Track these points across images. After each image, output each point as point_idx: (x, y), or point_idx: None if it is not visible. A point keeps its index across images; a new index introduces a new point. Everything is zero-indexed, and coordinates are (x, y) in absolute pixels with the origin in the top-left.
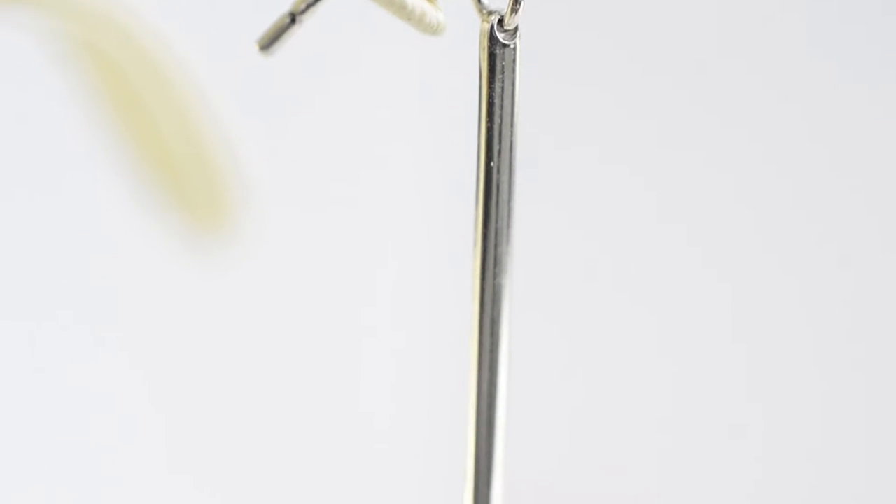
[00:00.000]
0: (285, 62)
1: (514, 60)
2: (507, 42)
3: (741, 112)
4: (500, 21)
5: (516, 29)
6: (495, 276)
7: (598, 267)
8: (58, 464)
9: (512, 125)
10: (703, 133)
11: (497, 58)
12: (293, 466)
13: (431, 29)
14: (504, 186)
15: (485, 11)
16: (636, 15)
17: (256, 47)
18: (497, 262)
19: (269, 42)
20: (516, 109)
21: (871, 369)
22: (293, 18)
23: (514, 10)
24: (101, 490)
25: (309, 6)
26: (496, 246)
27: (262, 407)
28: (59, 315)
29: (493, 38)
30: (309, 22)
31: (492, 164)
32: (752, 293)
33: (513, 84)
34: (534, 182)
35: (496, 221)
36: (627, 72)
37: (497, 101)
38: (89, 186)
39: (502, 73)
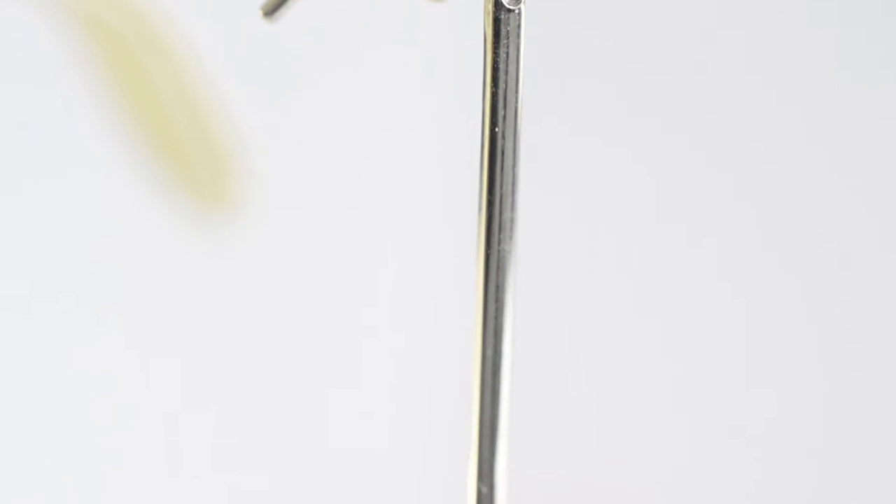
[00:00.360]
0: (286, 44)
1: (518, 26)
2: (511, 7)
3: (745, 89)
4: None
5: None
6: (500, 241)
7: (601, 245)
8: (57, 447)
9: (517, 91)
10: (707, 110)
11: (502, 23)
12: (293, 460)
13: None
14: (509, 152)
15: None
16: None
17: (260, 13)
18: (502, 227)
19: (273, 9)
20: (521, 75)
21: (871, 369)
22: None
23: None
24: (100, 470)
25: None
26: (501, 212)
27: (260, 400)
28: (60, 297)
29: (497, 3)
30: None
31: (496, 129)
32: (753, 292)
33: (518, 49)
34: (537, 151)
35: (501, 187)
36: (635, 39)
37: (502, 66)
38: (91, 167)
39: (507, 38)
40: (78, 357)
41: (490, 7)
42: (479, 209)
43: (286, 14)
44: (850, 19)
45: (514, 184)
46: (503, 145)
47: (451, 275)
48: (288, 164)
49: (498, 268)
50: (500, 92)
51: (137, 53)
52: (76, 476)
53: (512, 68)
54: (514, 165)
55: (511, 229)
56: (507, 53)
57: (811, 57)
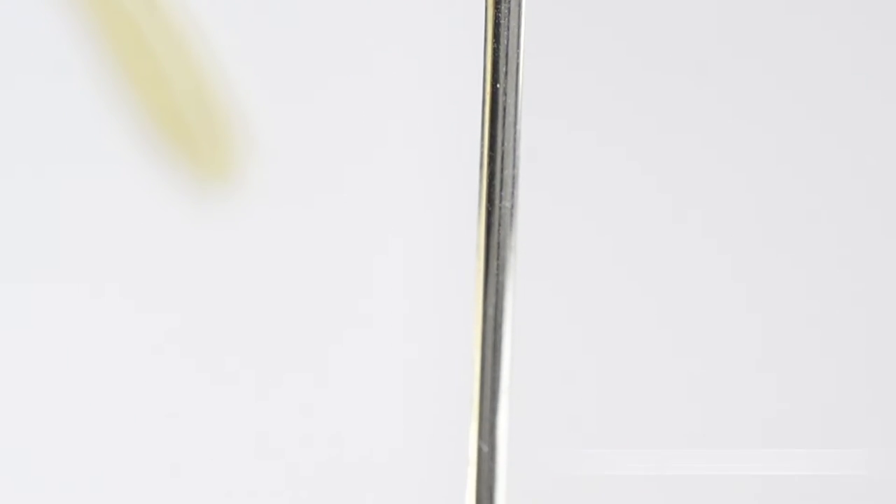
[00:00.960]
0: (287, 34)
1: None
2: None
3: (752, 80)
4: None
5: None
6: (501, 198)
7: (603, 228)
8: (57, 443)
9: (518, 46)
10: (706, 105)
11: None
12: (292, 452)
13: None
14: (510, 109)
15: None
16: None
17: None
18: (503, 184)
19: None
20: (523, 30)
21: (872, 369)
22: None
23: None
24: (102, 466)
25: None
26: (502, 169)
27: (259, 394)
28: (59, 271)
29: None
30: None
31: (497, 85)
32: (754, 289)
33: (519, 4)
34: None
35: (502, 144)
36: (633, 32)
37: (503, 21)
38: (92, 143)
39: None
40: (78, 344)
41: None
42: (481, 166)
43: None
44: (851, 19)
45: (515, 140)
46: (505, 102)
47: (451, 266)
48: (287, 139)
49: (499, 225)
50: (502, 48)
51: (138, 24)
52: (73, 460)
53: (514, 23)
54: (515, 122)
55: (513, 186)
56: (510, 8)
57: (813, 56)
